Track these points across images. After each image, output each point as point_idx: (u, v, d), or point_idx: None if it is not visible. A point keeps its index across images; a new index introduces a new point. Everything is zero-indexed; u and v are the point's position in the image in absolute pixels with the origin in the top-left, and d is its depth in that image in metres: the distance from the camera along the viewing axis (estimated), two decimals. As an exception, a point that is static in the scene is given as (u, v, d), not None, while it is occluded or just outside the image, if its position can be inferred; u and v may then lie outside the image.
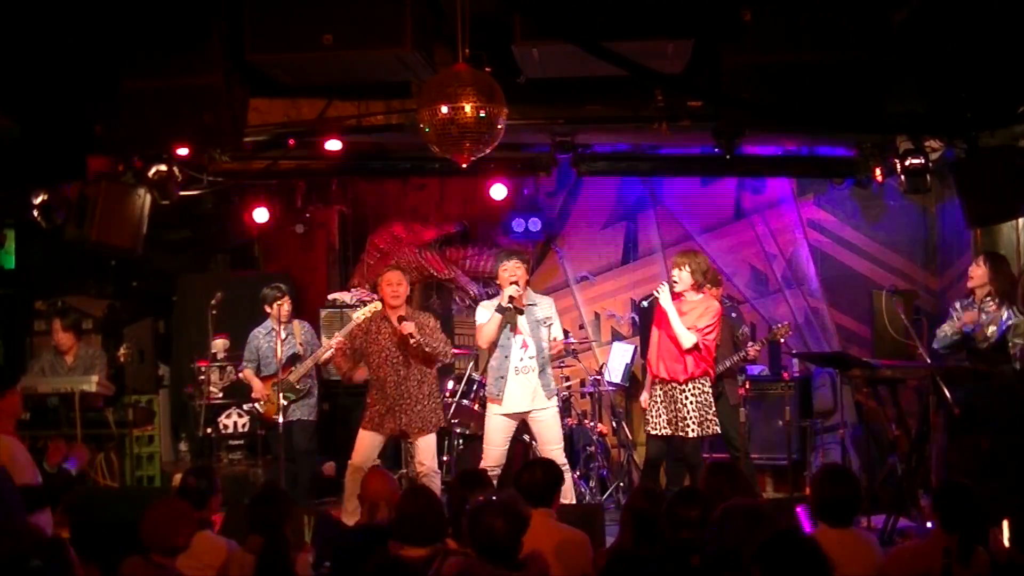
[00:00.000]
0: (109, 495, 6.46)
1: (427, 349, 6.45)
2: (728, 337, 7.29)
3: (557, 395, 6.72)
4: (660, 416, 6.56)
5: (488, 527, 3.40)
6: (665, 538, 3.61)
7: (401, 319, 6.41)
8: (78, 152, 6.43)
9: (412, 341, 6.35)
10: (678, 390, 6.52)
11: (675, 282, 6.60)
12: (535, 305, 6.58)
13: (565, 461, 6.52)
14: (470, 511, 3.51)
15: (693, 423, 6.47)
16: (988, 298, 6.51)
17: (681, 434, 6.50)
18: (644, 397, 6.86)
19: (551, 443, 6.49)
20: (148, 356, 8.85)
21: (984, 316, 6.48)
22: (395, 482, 4.90)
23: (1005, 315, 6.35)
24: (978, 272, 6.59)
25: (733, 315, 7.56)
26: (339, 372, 7.04)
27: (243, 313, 8.31)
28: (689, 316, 6.55)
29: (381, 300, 6.66)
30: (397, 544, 3.77)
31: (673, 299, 6.59)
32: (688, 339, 6.46)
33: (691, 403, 6.49)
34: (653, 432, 6.60)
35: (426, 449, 6.56)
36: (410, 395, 6.51)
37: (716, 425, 6.58)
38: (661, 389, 6.59)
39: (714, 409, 6.59)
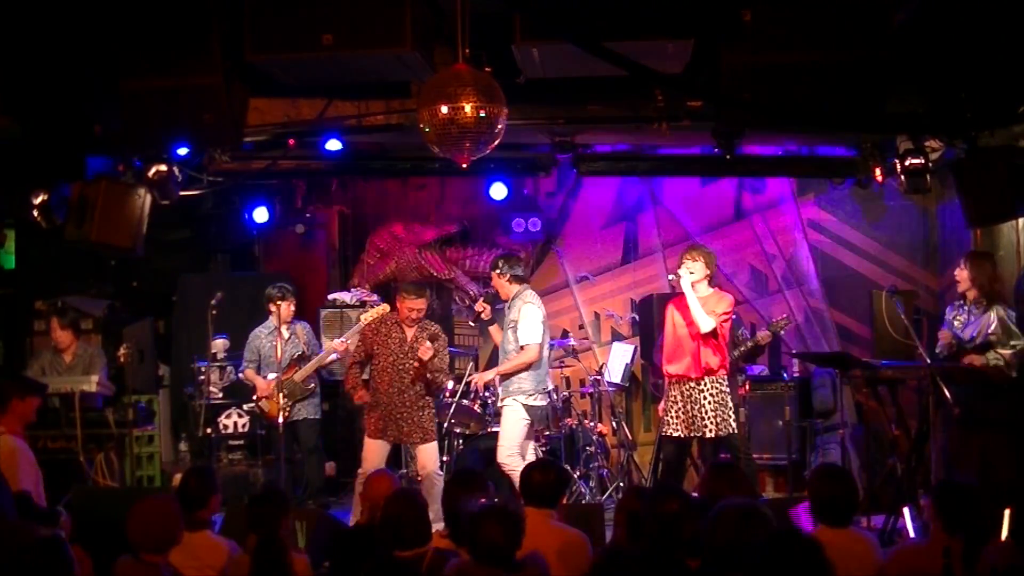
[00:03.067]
0: (109, 495, 6.43)
1: (434, 372, 6.52)
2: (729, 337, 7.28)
3: (519, 397, 6.58)
4: (677, 417, 6.51)
5: (487, 535, 3.40)
6: (652, 535, 3.58)
7: (419, 339, 6.48)
8: (78, 152, 6.44)
9: (427, 360, 6.41)
10: (695, 388, 6.46)
11: (691, 272, 6.50)
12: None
13: (506, 461, 6.46)
14: (468, 518, 3.50)
15: (711, 423, 6.41)
16: (976, 300, 6.52)
17: (698, 435, 6.45)
18: (661, 407, 6.76)
19: (499, 439, 6.58)
20: (148, 356, 8.84)
21: (972, 318, 6.48)
22: (398, 484, 4.90)
23: (992, 317, 6.36)
24: (963, 275, 6.57)
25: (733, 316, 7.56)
26: (347, 386, 6.83)
27: (243, 313, 8.31)
28: (705, 305, 6.47)
29: (394, 308, 6.68)
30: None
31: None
32: (707, 323, 6.38)
33: (708, 402, 6.42)
34: (671, 433, 6.53)
35: (428, 455, 6.60)
36: (405, 404, 6.55)
37: (733, 424, 6.51)
38: (677, 390, 6.53)
39: (731, 407, 6.51)
